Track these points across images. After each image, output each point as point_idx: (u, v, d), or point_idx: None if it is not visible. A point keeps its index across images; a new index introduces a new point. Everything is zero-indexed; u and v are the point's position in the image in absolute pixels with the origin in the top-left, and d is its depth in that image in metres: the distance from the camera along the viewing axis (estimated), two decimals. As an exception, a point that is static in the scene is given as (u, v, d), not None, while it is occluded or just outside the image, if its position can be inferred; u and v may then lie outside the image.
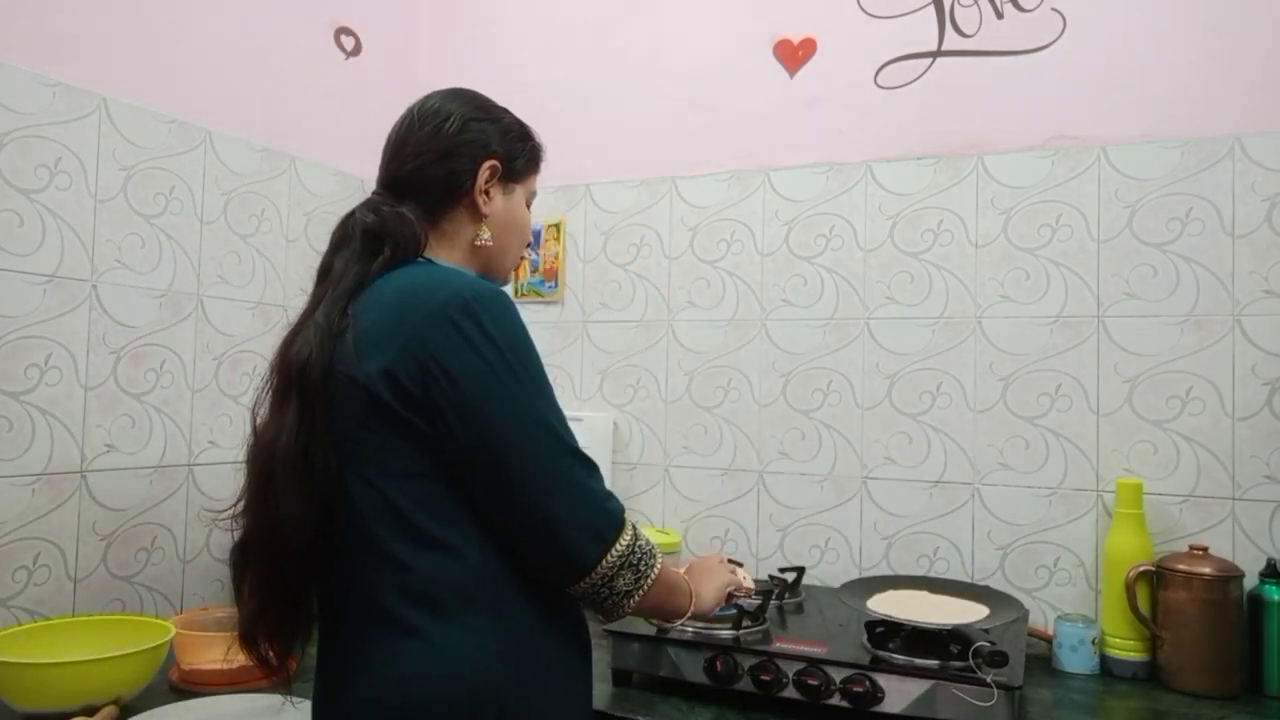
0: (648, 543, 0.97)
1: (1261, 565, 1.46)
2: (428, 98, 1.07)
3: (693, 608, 1.06)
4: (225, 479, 1.72)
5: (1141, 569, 1.49)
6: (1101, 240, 1.65)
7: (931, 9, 1.81)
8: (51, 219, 1.45)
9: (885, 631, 1.36)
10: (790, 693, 1.28)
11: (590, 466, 0.94)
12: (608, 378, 2.06)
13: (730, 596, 1.17)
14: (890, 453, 1.79)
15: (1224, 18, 1.59)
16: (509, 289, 1.73)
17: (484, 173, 1.04)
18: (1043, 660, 1.55)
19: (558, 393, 0.97)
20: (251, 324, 1.80)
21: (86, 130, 1.51)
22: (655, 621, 1.32)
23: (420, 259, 1.01)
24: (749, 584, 1.24)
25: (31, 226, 1.43)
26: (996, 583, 1.66)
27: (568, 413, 0.97)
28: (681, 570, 1.12)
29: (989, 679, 1.18)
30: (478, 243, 1.05)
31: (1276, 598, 1.42)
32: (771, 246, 1.91)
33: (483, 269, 1.07)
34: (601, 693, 1.32)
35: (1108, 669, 1.51)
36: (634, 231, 2.05)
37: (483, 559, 0.91)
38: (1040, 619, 1.63)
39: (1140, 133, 1.63)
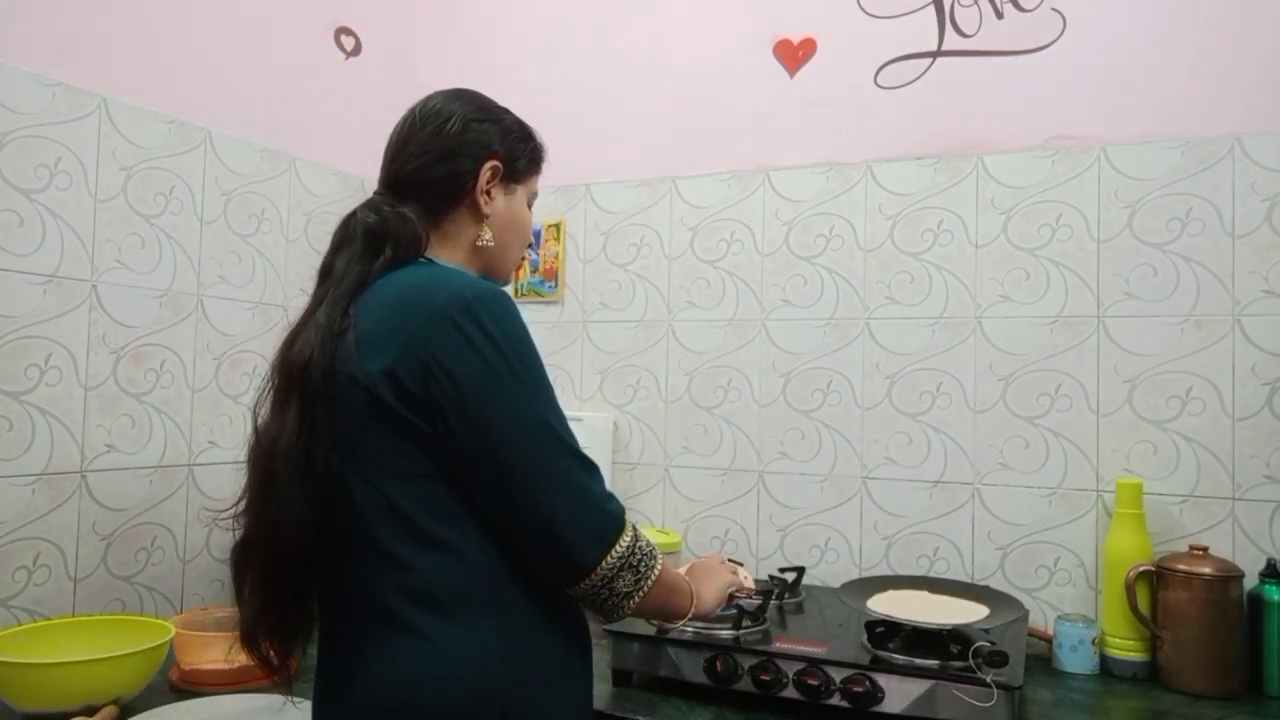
0: (648, 544, 0.97)
1: (1261, 565, 1.46)
2: (429, 98, 1.07)
3: (693, 609, 1.06)
4: (225, 479, 1.72)
5: (1141, 569, 1.49)
6: (1101, 240, 1.65)
7: (931, 9, 1.81)
8: (51, 219, 1.45)
9: (885, 631, 1.36)
10: (790, 693, 1.28)
11: (591, 468, 0.94)
12: (608, 378, 2.06)
13: (731, 597, 1.17)
14: (890, 453, 1.79)
15: (1224, 18, 1.59)
16: (509, 289, 1.73)
17: (485, 173, 1.04)
18: (1043, 660, 1.55)
19: (558, 393, 0.97)
20: (251, 324, 1.80)
21: (86, 130, 1.51)
22: (656, 622, 1.32)
23: (421, 259, 1.01)
24: (749, 584, 1.24)
25: (31, 226, 1.43)
26: (996, 583, 1.66)
27: (568, 413, 0.97)
28: (682, 571, 1.12)
29: (989, 679, 1.18)
30: (479, 243, 1.05)
31: (1276, 598, 1.42)
32: (771, 246, 1.91)
33: (484, 269, 1.07)
34: (601, 693, 1.32)
35: (1108, 669, 1.51)
36: (634, 231, 2.05)
37: (483, 559, 0.91)
38: (1040, 619, 1.63)
39: (1140, 133, 1.63)
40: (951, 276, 1.76)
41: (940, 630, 1.30)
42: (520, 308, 0.96)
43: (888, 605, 1.40)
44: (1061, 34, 1.70)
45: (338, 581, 0.95)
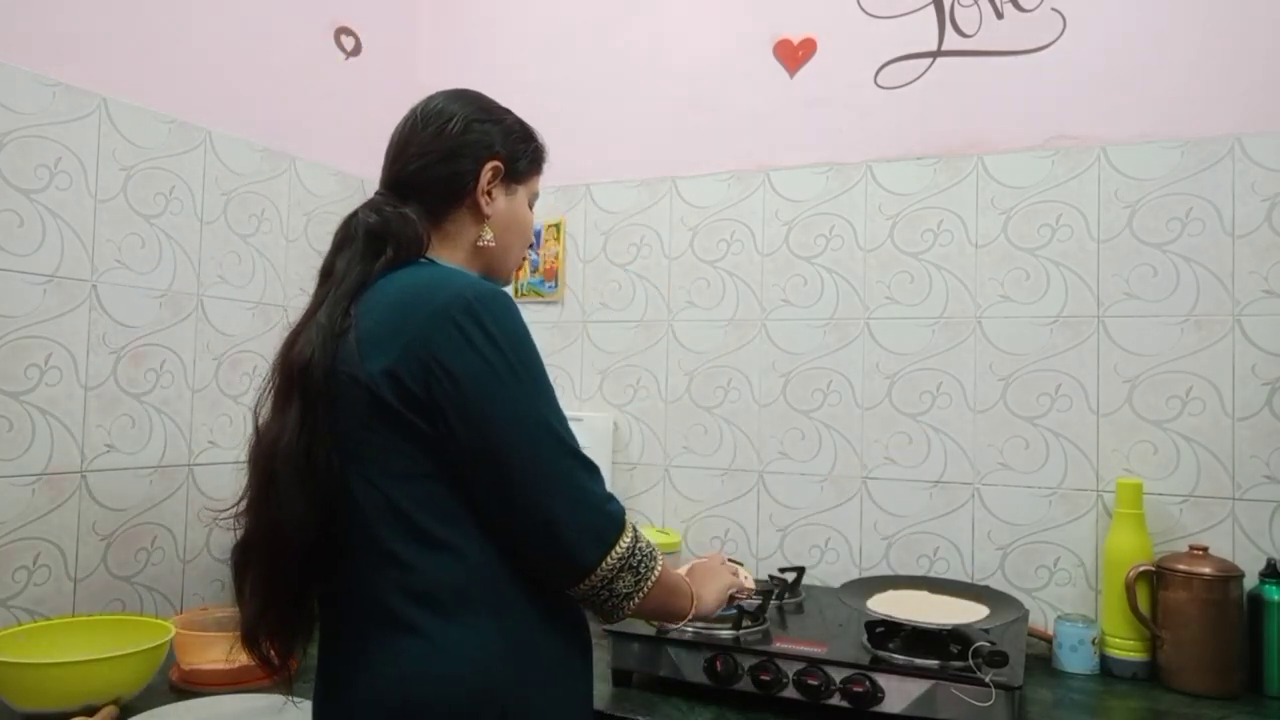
0: (648, 545, 0.97)
1: (1261, 565, 1.46)
2: (431, 98, 1.07)
3: (693, 610, 1.06)
4: (225, 479, 1.72)
5: (1141, 569, 1.49)
6: (1101, 240, 1.65)
7: (931, 9, 1.81)
8: (51, 219, 1.45)
9: (885, 631, 1.36)
10: (790, 693, 1.28)
11: (591, 468, 0.94)
12: (608, 378, 2.06)
13: (731, 598, 1.17)
14: (890, 453, 1.79)
15: (1224, 18, 1.59)
16: (509, 289, 1.73)
17: (486, 174, 1.04)
18: (1043, 660, 1.55)
19: (558, 393, 0.97)
20: (251, 324, 1.80)
21: (86, 130, 1.51)
22: (656, 623, 1.32)
23: (423, 259, 1.01)
24: (749, 584, 1.24)
25: (31, 226, 1.43)
26: (996, 583, 1.66)
27: (568, 413, 0.97)
28: (682, 572, 1.12)
29: (989, 679, 1.18)
30: (480, 243, 1.05)
31: (1276, 598, 1.42)
32: (771, 246, 1.91)
33: (485, 270, 1.07)
34: (601, 693, 1.32)
35: (1108, 669, 1.51)
36: (634, 231, 2.05)
37: (484, 559, 0.91)
38: (1040, 619, 1.63)
39: (1140, 133, 1.63)
40: (951, 276, 1.76)
41: (940, 630, 1.31)
42: (520, 308, 0.96)
43: (888, 605, 1.40)
44: (1061, 34, 1.70)
45: (339, 581, 0.95)
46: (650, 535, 1.84)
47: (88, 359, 1.50)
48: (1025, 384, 1.69)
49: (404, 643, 0.89)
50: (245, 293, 1.79)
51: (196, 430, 1.69)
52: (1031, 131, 1.71)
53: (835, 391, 1.84)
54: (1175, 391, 1.58)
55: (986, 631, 1.32)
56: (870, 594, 1.47)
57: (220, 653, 1.38)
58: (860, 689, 1.23)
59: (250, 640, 0.95)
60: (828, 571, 1.82)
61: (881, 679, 1.24)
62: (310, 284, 1.03)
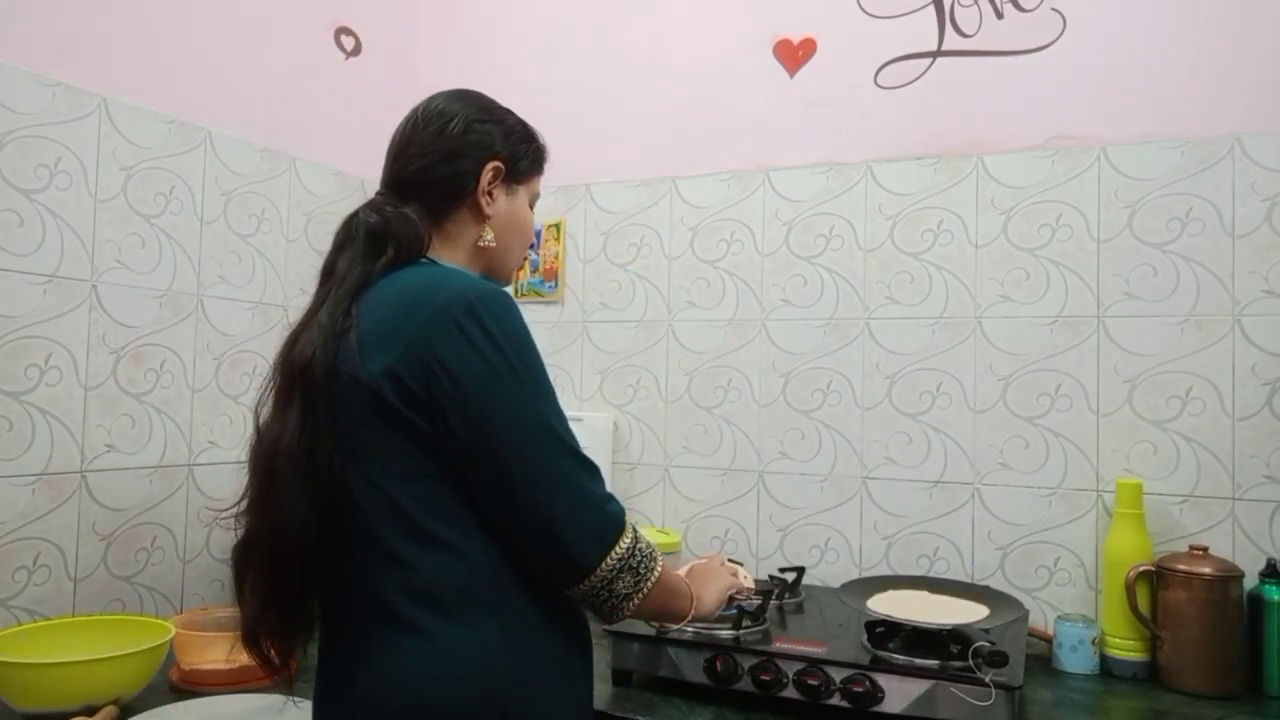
0: (648, 545, 0.97)
1: (1261, 565, 1.46)
2: (432, 98, 1.07)
3: (693, 611, 1.06)
4: (225, 479, 1.72)
5: (1141, 569, 1.49)
6: (1101, 240, 1.65)
7: (931, 9, 1.81)
8: (51, 219, 1.45)
9: (885, 631, 1.36)
10: (790, 693, 1.28)
11: (591, 469, 0.94)
12: (608, 378, 2.06)
13: (731, 599, 1.17)
14: (890, 453, 1.79)
15: (1224, 18, 1.59)
16: (509, 289, 1.73)
17: (487, 174, 1.04)
18: (1043, 660, 1.55)
19: (558, 393, 0.97)
20: (251, 324, 1.80)
21: (86, 130, 1.50)
22: (656, 623, 1.32)
23: (423, 259, 1.01)
24: (749, 584, 1.24)
25: (31, 226, 1.43)
26: (996, 583, 1.66)
27: (568, 413, 0.97)
28: (682, 573, 1.12)
29: (989, 679, 1.18)
30: (481, 244, 1.05)
31: (1276, 598, 1.42)
32: (771, 246, 1.91)
33: (485, 270, 1.07)
34: (601, 693, 1.32)
35: (1108, 669, 1.51)
36: (634, 231, 2.05)
37: (485, 559, 0.91)
38: (1040, 619, 1.63)
39: (1140, 133, 1.63)
40: (951, 276, 1.76)
41: (940, 630, 1.31)
42: (520, 308, 0.96)
43: (888, 605, 1.40)
44: (1061, 34, 1.70)
45: (340, 581, 0.95)
46: (650, 535, 1.84)
47: (88, 359, 1.50)
48: (1025, 384, 1.69)
49: (405, 642, 0.89)
50: (245, 293, 1.79)
51: (196, 430, 1.69)
52: (1031, 131, 1.71)
53: (835, 391, 1.84)
54: (1175, 391, 1.58)
55: (986, 631, 1.32)
56: (870, 594, 1.47)
57: (220, 653, 1.38)
58: (860, 689, 1.23)
59: (251, 640, 0.95)
60: (828, 571, 1.82)
61: (881, 679, 1.24)
62: (310, 284, 1.03)
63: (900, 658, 1.27)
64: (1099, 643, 1.52)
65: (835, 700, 1.25)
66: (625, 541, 0.93)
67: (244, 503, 0.96)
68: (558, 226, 2.12)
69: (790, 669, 1.28)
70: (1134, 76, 1.65)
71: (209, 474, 1.71)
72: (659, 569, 0.98)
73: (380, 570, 0.90)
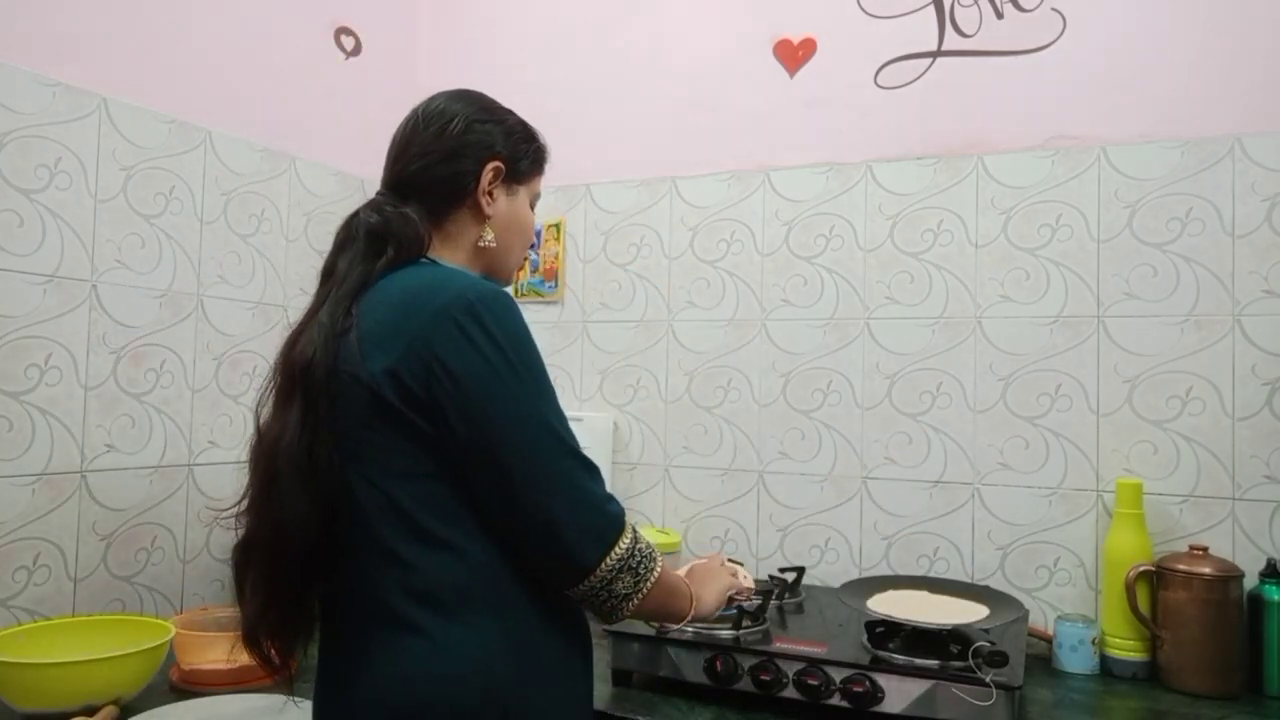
0: (648, 546, 0.97)
1: (1261, 565, 1.46)
2: (433, 98, 1.07)
3: (693, 611, 1.07)
4: (225, 479, 1.72)
5: (1141, 569, 1.49)
6: (1101, 240, 1.65)
7: (931, 9, 1.81)
8: (51, 219, 1.45)
9: (885, 631, 1.36)
10: (790, 693, 1.28)
11: (591, 469, 0.94)
12: (608, 378, 2.06)
13: (730, 599, 1.17)
14: (890, 453, 1.79)
15: (1224, 18, 1.59)
16: (510, 289, 1.73)
17: (488, 174, 1.04)
18: (1043, 660, 1.55)
19: (558, 393, 0.97)
20: (251, 324, 1.80)
21: (86, 130, 1.50)
22: (655, 624, 1.32)
23: (424, 259, 1.01)
24: (749, 584, 1.24)
25: (31, 226, 1.43)
26: (996, 583, 1.66)
27: (568, 413, 0.97)
28: (682, 573, 1.12)
29: (989, 679, 1.18)
30: (481, 244, 1.05)
31: (1276, 598, 1.42)
32: (771, 246, 1.91)
33: (486, 270, 1.07)
34: (601, 693, 1.32)
35: (1108, 669, 1.51)
36: (634, 231, 2.05)
37: (486, 559, 0.91)
38: (1040, 619, 1.63)
39: (1140, 133, 1.63)
40: (951, 276, 1.76)
41: (940, 630, 1.31)
42: (520, 308, 0.96)
43: (888, 605, 1.40)
44: (1061, 34, 1.70)
45: (340, 581, 0.95)
46: (650, 535, 1.84)
47: (88, 359, 1.50)
48: (1025, 384, 1.69)
49: (406, 642, 0.89)
50: (245, 293, 1.79)
51: (196, 430, 1.69)
52: (1031, 131, 1.71)
53: (835, 391, 1.84)
54: (1175, 391, 1.58)
55: (986, 631, 1.32)
56: (870, 594, 1.47)
57: (220, 653, 1.38)
58: (860, 689, 1.23)
59: (251, 640, 0.95)
60: (828, 571, 1.82)
61: (881, 679, 1.24)
62: (310, 284, 1.03)
63: (900, 658, 1.27)
64: (1099, 643, 1.52)
65: (835, 700, 1.25)
66: (625, 542, 0.93)
67: (244, 502, 0.96)
68: (558, 226, 2.12)
69: (790, 669, 1.28)
70: (1134, 76, 1.65)
71: (209, 474, 1.71)
72: (658, 569, 0.98)
73: (381, 570, 0.90)
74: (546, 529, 0.89)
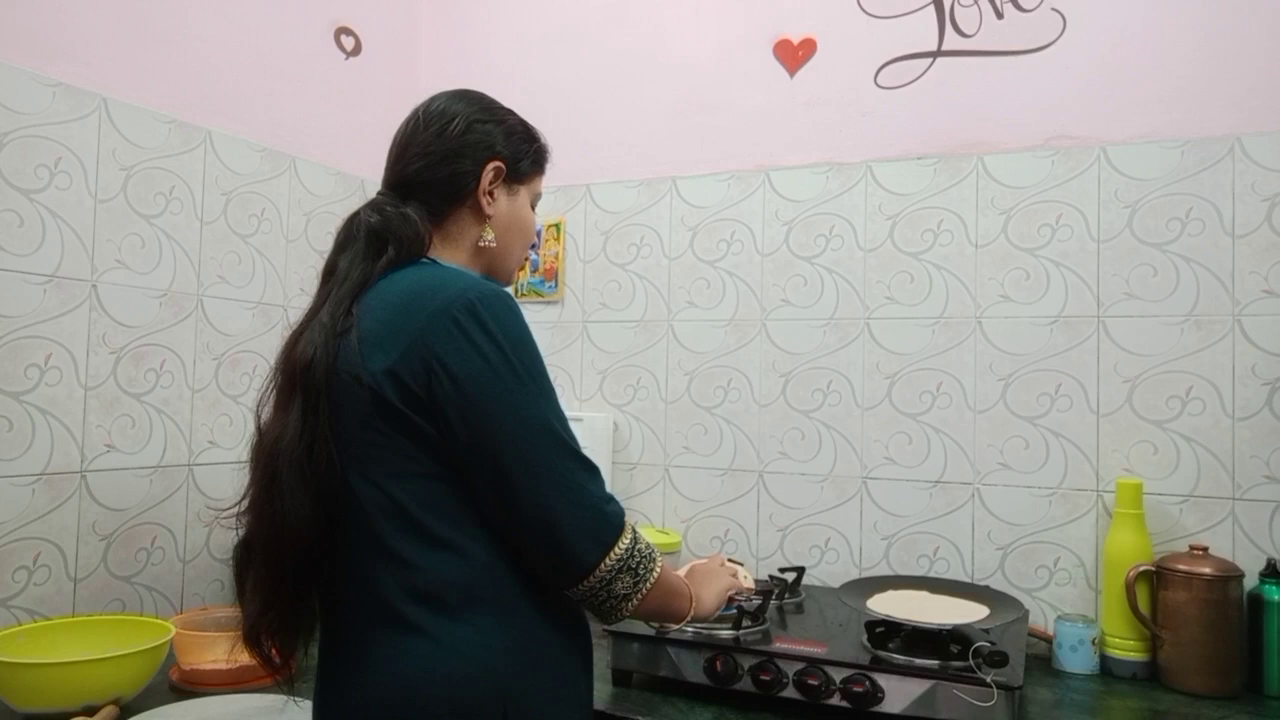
0: (647, 546, 0.97)
1: (1261, 565, 1.46)
2: (434, 99, 1.07)
3: (692, 612, 1.06)
4: (225, 479, 1.72)
5: (1141, 569, 1.49)
6: (1101, 240, 1.65)
7: (931, 9, 1.81)
8: (51, 219, 1.45)
9: (885, 631, 1.36)
10: (790, 693, 1.28)
11: (591, 469, 0.94)
12: (608, 378, 2.06)
13: (730, 600, 1.17)
14: (890, 453, 1.79)
15: (1224, 18, 1.59)
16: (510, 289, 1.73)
17: (488, 174, 1.04)
18: (1043, 660, 1.55)
19: (558, 393, 0.97)
20: (251, 324, 1.80)
21: (86, 130, 1.50)
22: (655, 624, 1.32)
23: (424, 259, 1.01)
24: (749, 584, 1.24)
25: (31, 226, 1.43)
26: (996, 583, 1.66)
27: (568, 413, 0.97)
28: (682, 573, 1.12)
29: (989, 679, 1.18)
30: (481, 244, 1.06)
31: (1276, 598, 1.42)
32: (771, 246, 1.91)
33: (486, 270, 1.07)
34: (601, 693, 1.32)
35: (1108, 669, 1.51)
36: (634, 231, 2.05)
37: (487, 558, 0.91)
38: (1040, 619, 1.63)
39: (1140, 133, 1.63)
40: (951, 276, 1.76)
41: (940, 630, 1.31)
42: (520, 308, 0.96)
43: (888, 605, 1.40)
44: (1061, 34, 1.70)
45: (341, 580, 0.95)
46: (650, 535, 1.84)
47: (88, 359, 1.50)
48: (1025, 384, 1.69)
49: (406, 642, 0.89)
50: (245, 293, 1.79)
51: (196, 430, 1.69)
52: (1031, 131, 1.71)
53: (835, 391, 1.84)
54: (1175, 391, 1.58)
55: (986, 631, 1.32)
56: (870, 594, 1.47)
57: (220, 653, 1.38)
58: (860, 689, 1.23)
59: (252, 639, 0.95)
60: (828, 571, 1.82)
61: (881, 679, 1.24)
62: (310, 284, 1.03)
63: (900, 658, 1.27)
64: (1099, 643, 1.52)
65: (835, 700, 1.25)
66: (624, 542, 0.93)
67: (245, 502, 0.96)
68: (558, 226, 2.12)
69: (790, 669, 1.28)
70: (1134, 76, 1.65)
71: (209, 474, 1.71)
72: (658, 570, 0.98)
73: (381, 570, 0.90)
74: (546, 529, 0.89)
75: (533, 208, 1.13)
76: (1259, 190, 1.55)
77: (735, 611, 1.35)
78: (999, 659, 1.20)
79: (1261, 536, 1.51)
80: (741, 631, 1.36)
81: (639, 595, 0.95)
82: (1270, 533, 1.51)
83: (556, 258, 2.11)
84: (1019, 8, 1.74)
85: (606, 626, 1.26)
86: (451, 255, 1.04)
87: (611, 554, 0.92)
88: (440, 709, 0.88)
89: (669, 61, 2.04)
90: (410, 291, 0.93)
